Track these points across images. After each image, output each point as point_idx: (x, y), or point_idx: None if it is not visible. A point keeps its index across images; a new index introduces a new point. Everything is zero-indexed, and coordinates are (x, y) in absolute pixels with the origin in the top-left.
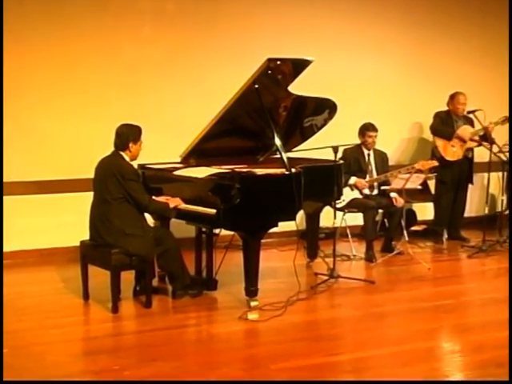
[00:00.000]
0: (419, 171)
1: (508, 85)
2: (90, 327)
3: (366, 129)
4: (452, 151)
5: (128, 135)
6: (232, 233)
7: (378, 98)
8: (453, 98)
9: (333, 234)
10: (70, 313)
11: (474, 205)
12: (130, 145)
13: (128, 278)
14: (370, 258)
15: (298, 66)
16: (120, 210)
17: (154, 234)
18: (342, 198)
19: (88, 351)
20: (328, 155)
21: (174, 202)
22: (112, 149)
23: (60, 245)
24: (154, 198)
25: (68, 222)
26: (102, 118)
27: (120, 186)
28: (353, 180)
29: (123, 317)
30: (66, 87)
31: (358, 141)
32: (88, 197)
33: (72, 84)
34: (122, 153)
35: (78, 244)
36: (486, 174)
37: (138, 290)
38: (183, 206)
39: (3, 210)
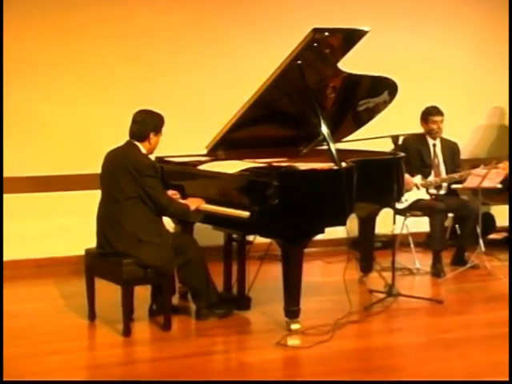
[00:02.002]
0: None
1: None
2: (96, 353)
3: (429, 113)
4: None
5: (149, 124)
6: (268, 240)
7: (446, 77)
8: None
9: (391, 243)
10: (73, 336)
11: None
12: (151, 135)
13: (143, 294)
14: (437, 272)
15: (350, 37)
16: (134, 211)
17: (173, 241)
18: (404, 198)
19: (94, 382)
20: (385, 146)
21: (195, 203)
22: (124, 138)
23: (61, 254)
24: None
25: (71, 226)
26: (110, 102)
27: (135, 183)
28: None
29: (136, 341)
30: (67, 65)
31: (420, 130)
32: (95, 196)
33: (74, 61)
34: (138, 144)
35: (82, 253)
36: None
37: (155, 309)
38: (209, 207)
39: None
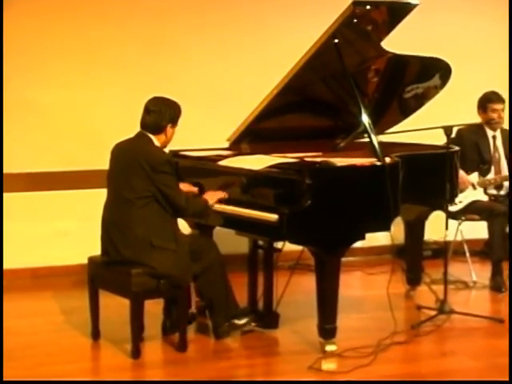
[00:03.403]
0: None
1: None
2: (101, 377)
3: (488, 100)
4: None
5: (166, 114)
6: (300, 248)
7: (507, 59)
8: None
9: (443, 252)
10: (74, 357)
11: None
12: (168, 127)
13: (154, 309)
14: (497, 285)
15: (396, 12)
16: (145, 213)
17: (190, 245)
18: (458, 199)
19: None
20: (436, 139)
21: (215, 196)
22: (134, 129)
23: (60, 262)
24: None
25: (72, 230)
26: (118, 87)
27: (149, 181)
28: None
29: (147, 364)
30: (69, 45)
31: (477, 119)
32: (100, 195)
33: (77, 41)
34: (151, 136)
35: (85, 261)
36: None
37: (169, 326)
38: (232, 208)
39: None
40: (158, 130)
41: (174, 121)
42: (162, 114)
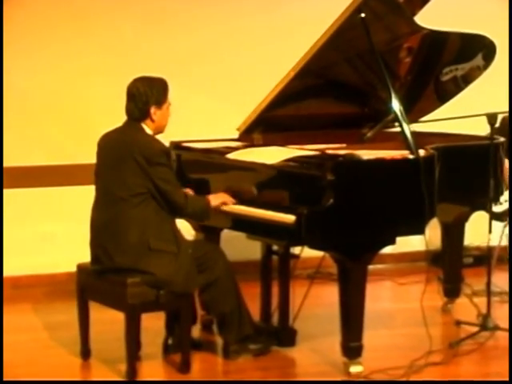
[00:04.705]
0: None
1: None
2: None
3: None
4: None
5: (147, 96)
6: (321, 254)
7: None
8: None
9: (487, 259)
10: (61, 379)
11: None
12: (152, 110)
13: (153, 324)
14: None
15: None
16: (141, 212)
17: (194, 252)
18: (503, 198)
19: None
20: (478, 128)
21: (219, 199)
22: (124, 118)
23: (45, 271)
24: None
25: (59, 233)
26: (112, 72)
27: (143, 175)
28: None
29: None
30: (57, 27)
31: None
32: (89, 193)
33: (68, 22)
34: (141, 124)
35: (73, 269)
36: None
37: (172, 344)
38: (242, 208)
39: None
40: (142, 116)
41: (158, 102)
42: (141, 96)
